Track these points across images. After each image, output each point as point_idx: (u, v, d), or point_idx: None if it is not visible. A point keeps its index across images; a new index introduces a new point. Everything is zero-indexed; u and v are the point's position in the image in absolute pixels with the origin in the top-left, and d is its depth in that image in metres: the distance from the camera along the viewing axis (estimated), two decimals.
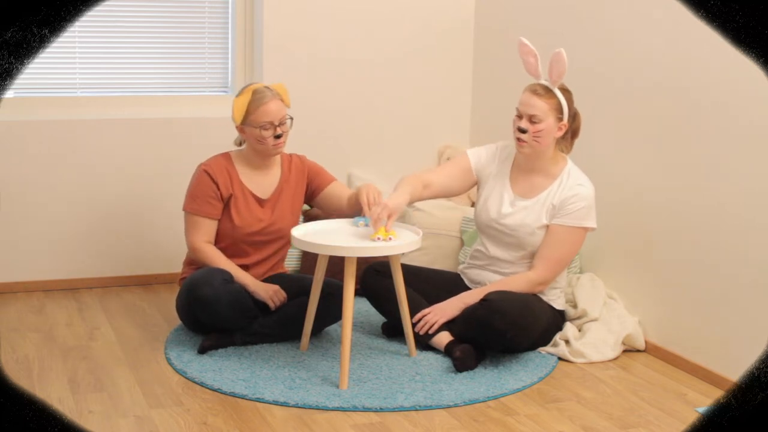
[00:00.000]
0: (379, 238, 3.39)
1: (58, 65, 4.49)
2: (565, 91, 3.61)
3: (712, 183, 3.51)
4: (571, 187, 3.62)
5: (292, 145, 4.23)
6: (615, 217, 4.00)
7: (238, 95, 3.71)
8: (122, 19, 4.53)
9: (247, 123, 3.67)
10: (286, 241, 3.86)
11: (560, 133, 3.61)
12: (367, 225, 3.57)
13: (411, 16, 4.85)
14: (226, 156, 3.82)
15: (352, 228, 3.59)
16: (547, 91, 3.57)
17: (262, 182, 3.82)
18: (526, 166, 3.70)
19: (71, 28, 4.32)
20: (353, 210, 3.74)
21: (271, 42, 4.61)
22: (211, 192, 3.73)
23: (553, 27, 4.36)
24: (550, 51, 4.35)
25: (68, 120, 4.41)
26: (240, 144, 3.86)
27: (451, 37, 4.93)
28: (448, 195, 3.83)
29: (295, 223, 3.86)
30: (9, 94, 4.37)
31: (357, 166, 4.84)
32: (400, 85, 4.89)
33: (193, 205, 3.75)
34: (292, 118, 3.76)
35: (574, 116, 3.65)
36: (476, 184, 3.82)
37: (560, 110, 3.57)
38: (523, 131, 3.58)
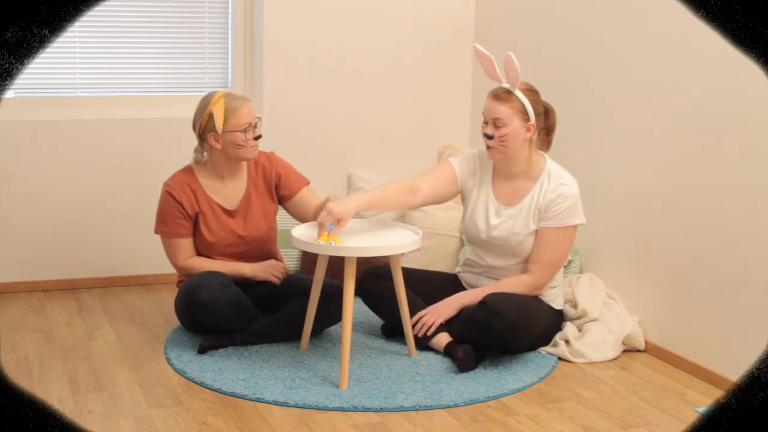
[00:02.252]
0: (320, 242, 3.34)
1: (58, 65, 4.49)
2: (530, 91, 3.55)
3: (713, 183, 3.51)
4: (554, 188, 3.59)
5: (291, 144, 4.24)
6: (615, 217, 4.00)
7: (207, 104, 3.63)
8: (122, 19, 4.53)
9: (227, 128, 3.61)
10: (268, 248, 3.83)
11: (530, 134, 3.56)
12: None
13: (411, 16, 4.85)
14: (188, 171, 3.77)
15: (351, 228, 3.59)
16: (509, 94, 3.52)
17: (229, 192, 3.77)
18: (506, 172, 3.66)
19: (71, 28, 4.32)
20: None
21: (271, 42, 4.61)
22: (177, 212, 3.69)
23: (552, 27, 4.36)
24: (549, 52, 4.36)
25: (68, 120, 4.41)
26: (200, 159, 3.76)
27: (452, 37, 4.93)
28: (435, 202, 3.75)
29: (271, 229, 3.83)
30: (9, 94, 4.37)
31: (357, 166, 4.84)
32: (401, 85, 4.89)
33: (164, 228, 3.72)
34: (260, 118, 3.73)
35: (546, 113, 3.60)
36: (458, 193, 3.78)
37: (524, 111, 3.52)
38: (489, 137, 3.55)
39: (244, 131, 3.63)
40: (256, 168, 3.81)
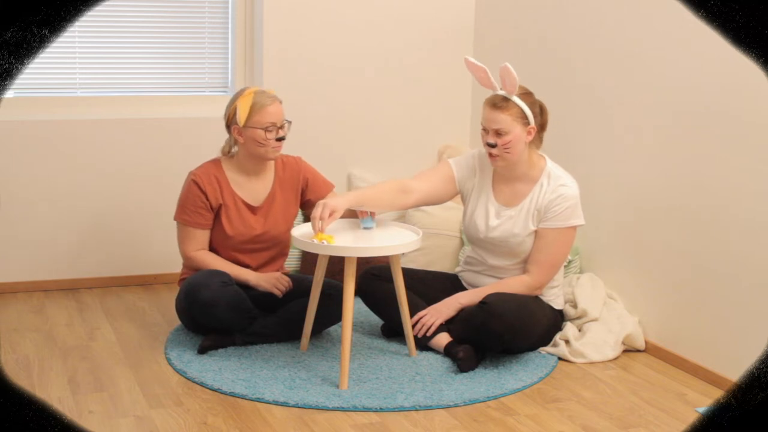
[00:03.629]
0: (314, 241, 3.36)
1: (58, 65, 4.49)
2: (526, 95, 3.55)
3: (713, 183, 3.51)
4: (554, 189, 3.59)
5: (291, 143, 4.23)
6: (615, 217, 4.00)
7: (237, 97, 3.68)
8: (122, 19, 4.53)
9: (249, 125, 3.65)
10: (282, 247, 3.85)
11: (530, 138, 3.56)
12: (367, 228, 3.57)
13: (412, 16, 4.84)
14: (216, 163, 3.78)
15: (351, 228, 3.59)
16: (507, 101, 3.51)
17: (254, 189, 3.79)
18: (507, 175, 3.66)
19: (71, 28, 4.32)
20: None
21: (271, 42, 4.61)
22: (200, 202, 3.71)
23: (551, 28, 4.36)
24: (549, 52, 4.36)
25: (68, 120, 4.41)
26: (228, 152, 3.80)
27: (452, 37, 4.93)
28: (430, 203, 3.75)
29: (289, 229, 3.83)
30: (9, 94, 4.37)
31: (357, 166, 4.84)
32: (401, 85, 4.89)
33: (184, 216, 3.73)
34: (290, 122, 3.75)
35: (540, 111, 3.60)
36: (458, 194, 3.78)
37: (524, 116, 3.52)
38: (492, 146, 3.55)
39: (266, 129, 3.63)
40: (283, 169, 3.83)
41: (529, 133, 3.55)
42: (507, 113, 3.50)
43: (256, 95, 3.66)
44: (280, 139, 3.68)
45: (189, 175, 3.76)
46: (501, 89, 3.54)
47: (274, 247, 3.83)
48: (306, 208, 3.90)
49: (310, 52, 4.70)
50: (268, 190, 3.80)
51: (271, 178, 3.82)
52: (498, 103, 3.52)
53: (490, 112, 3.53)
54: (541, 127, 3.62)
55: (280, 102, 3.71)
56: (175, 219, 3.77)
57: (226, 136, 3.87)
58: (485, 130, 3.56)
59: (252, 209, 3.77)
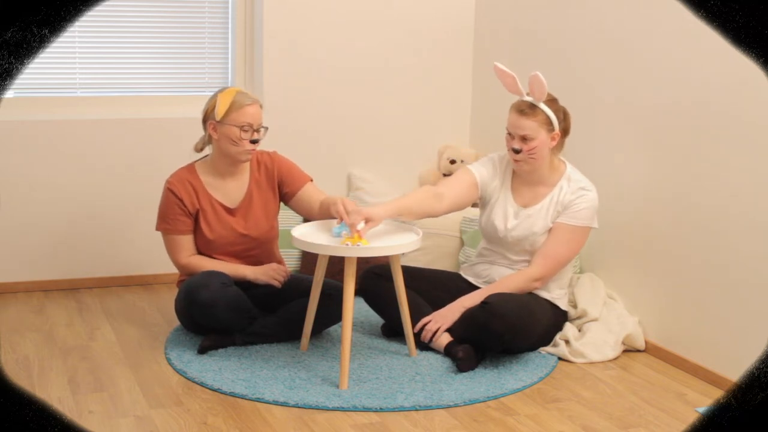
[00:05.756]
0: (347, 244, 3.34)
1: (58, 65, 4.49)
2: (551, 101, 3.59)
3: (713, 183, 3.51)
4: (574, 191, 3.63)
5: (291, 144, 4.23)
6: (615, 217, 4.00)
7: (218, 93, 3.67)
8: (122, 19, 4.53)
9: (226, 121, 3.62)
10: (269, 247, 3.84)
11: (554, 143, 3.60)
12: (338, 234, 3.49)
13: (412, 16, 4.85)
14: (190, 168, 3.77)
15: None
16: (533, 108, 3.55)
17: (230, 190, 3.77)
18: (527, 178, 3.69)
19: (71, 28, 4.32)
20: (324, 215, 3.66)
21: (271, 42, 4.61)
22: (178, 209, 3.70)
23: (552, 28, 4.36)
24: (548, 52, 4.36)
25: (68, 120, 4.41)
26: (201, 149, 3.79)
27: (452, 37, 4.93)
28: (457, 209, 3.76)
29: (273, 228, 3.83)
30: (9, 94, 4.37)
31: (357, 166, 4.84)
32: (401, 85, 4.89)
33: (165, 225, 3.72)
34: (267, 128, 3.72)
35: (564, 117, 3.63)
36: (477, 199, 3.80)
37: (549, 123, 3.56)
38: (517, 151, 3.58)
39: (242, 128, 3.62)
40: (258, 167, 3.81)
41: (553, 138, 3.59)
42: (533, 120, 3.54)
43: (238, 94, 3.65)
44: (255, 142, 3.66)
45: (165, 184, 3.75)
46: (528, 95, 3.56)
47: (259, 247, 3.81)
48: (286, 200, 3.85)
49: (310, 52, 4.70)
50: (245, 190, 3.78)
51: (247, 178, 3.79)
52: (525, 109, 3.55)
53: (516, 118, 3.56)
54: (564, 132, 3.66)
55: (261, 106, 3.69)
56: (157, 230, 3.76)
57: None
58: (511, 135, 3.59)
59: (230, 211, 3.76)
